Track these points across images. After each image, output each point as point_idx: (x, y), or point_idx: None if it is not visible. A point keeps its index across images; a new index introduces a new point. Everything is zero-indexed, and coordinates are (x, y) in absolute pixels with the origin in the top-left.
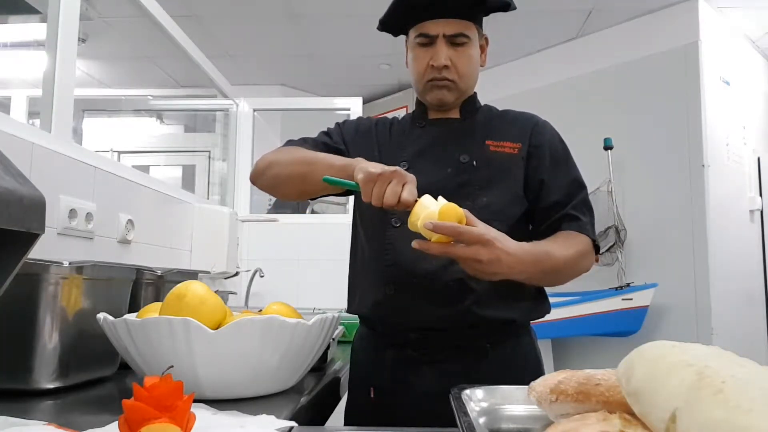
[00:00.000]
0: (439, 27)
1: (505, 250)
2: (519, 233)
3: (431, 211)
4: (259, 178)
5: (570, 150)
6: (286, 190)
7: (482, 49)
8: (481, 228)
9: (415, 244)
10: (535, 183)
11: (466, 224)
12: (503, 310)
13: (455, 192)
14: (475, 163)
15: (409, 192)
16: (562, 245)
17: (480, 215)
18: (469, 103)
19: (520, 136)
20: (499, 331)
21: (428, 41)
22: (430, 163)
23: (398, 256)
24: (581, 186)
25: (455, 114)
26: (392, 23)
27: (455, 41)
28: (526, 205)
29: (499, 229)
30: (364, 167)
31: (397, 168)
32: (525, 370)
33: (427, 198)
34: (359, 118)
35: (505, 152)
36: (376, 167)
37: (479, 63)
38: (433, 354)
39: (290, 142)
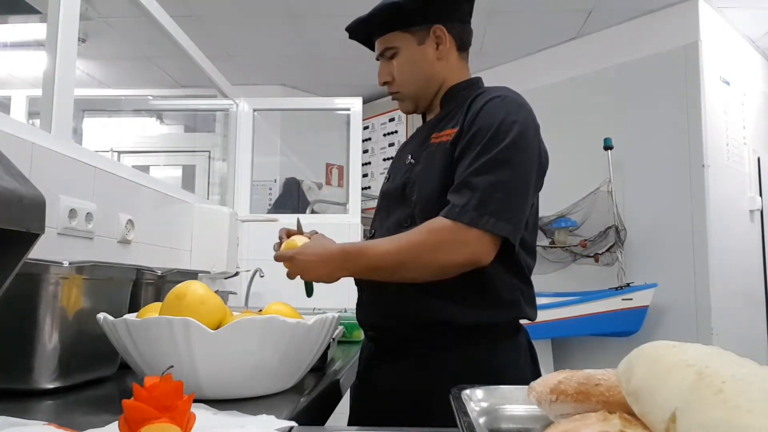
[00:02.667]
0: (376, 50)
1: (307, 259)
2: None
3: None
4: None
5: (513, 133)
6: None
7: (440, 38)
8: (289, 251)
9: None
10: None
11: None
12: (439, 312)
13: (400, 194)
14: (413, 161)
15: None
16: (391, 239)
17: (414, 212)
18: (448, 96)
19: (459, 118)
20: (443, 335)
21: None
22: (394, 169)
23: None
24: (471, 166)
25: (438, 111)
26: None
27: (386, 56)
28: None
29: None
30: None
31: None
32: (476, 379)
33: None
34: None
35: (441, 141)
36: None
37: (427, 59)
38: (386, 352)
39: None
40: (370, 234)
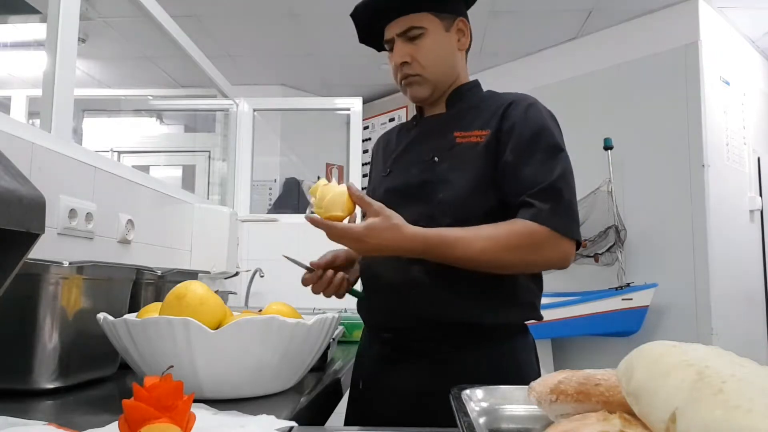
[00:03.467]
0: (391, 29)
1: (380, 244)
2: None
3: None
4: None
5: (559, 139)
6: None
7: (461, 32)
8: (356, 227)
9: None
10: (501, 170)
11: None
12: (463, 313)
13: (417, 191)
14: (437, 158)
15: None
16: (482, 234)
17: (436, 211)
18: (455, 94)
19: (489, 121)
20: (465, 336)
21: (390, 46)
22: (404, 165)
23: (369, 260)
24: (550, 171)
25: (443, 108)
26: (365, 38)
27: (409, 36)
28: (500, 195)
29: (455, 224)
30: None
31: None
32: (498, 378)
33: (332, 190)
34: (376, 143)
35: (470, 142)
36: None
37: (451, 48)
38: (404, 354)
39: None
40: None
